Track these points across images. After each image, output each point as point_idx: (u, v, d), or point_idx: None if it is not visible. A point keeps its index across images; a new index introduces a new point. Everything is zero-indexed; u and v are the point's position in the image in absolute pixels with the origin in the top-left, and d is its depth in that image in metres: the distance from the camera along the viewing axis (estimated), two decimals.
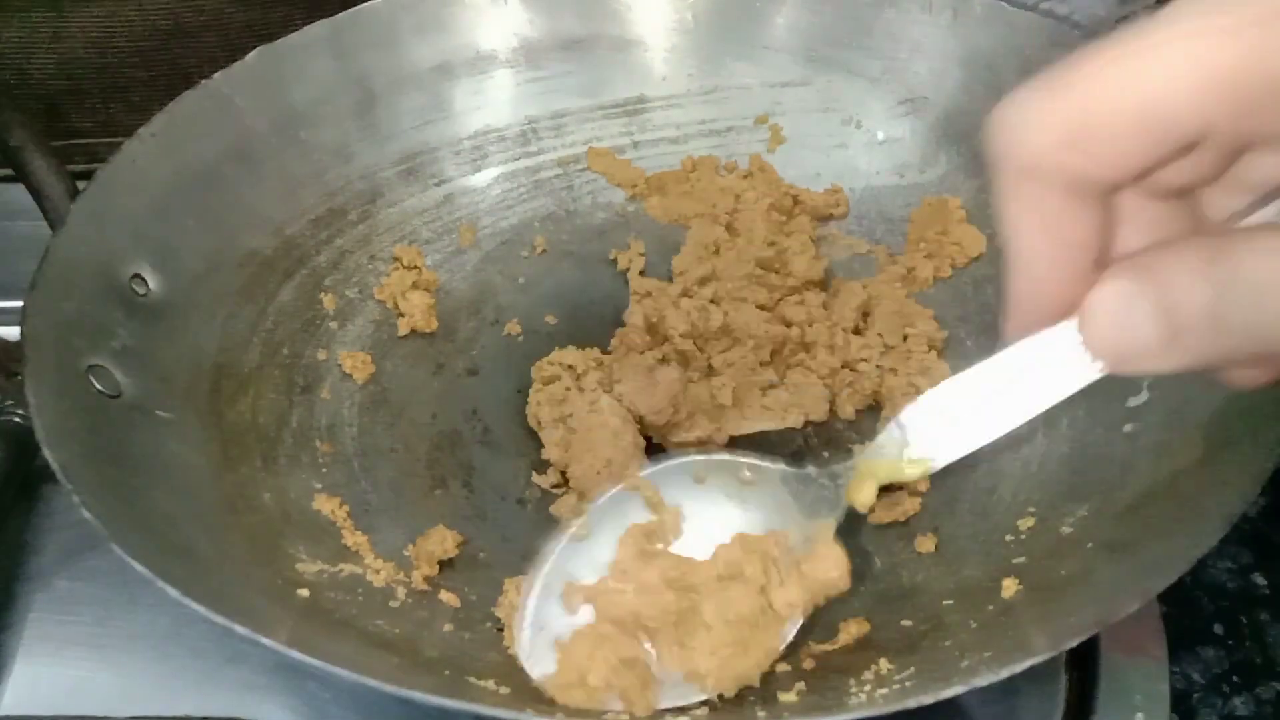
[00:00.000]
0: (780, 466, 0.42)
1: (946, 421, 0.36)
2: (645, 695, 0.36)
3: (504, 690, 0.38)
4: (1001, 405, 0.34)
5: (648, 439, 0.47)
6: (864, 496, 0.39)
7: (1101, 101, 0.21)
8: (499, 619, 0.42)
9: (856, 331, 0.51)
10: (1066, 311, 0.25)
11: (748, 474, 0.42)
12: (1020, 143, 0.23)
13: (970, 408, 0.35)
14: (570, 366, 0.50)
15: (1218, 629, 0.47)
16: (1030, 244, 0.25)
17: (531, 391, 0.50)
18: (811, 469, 0.41)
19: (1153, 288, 0.23)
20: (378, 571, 0.43)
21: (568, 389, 0.49)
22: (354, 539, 0.45)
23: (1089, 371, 0.28)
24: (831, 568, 0.39)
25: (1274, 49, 0.19)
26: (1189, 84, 0.21)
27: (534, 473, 0.48)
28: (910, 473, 0.38)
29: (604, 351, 0.50)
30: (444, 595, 0.43)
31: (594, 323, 0.53)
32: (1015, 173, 0.23)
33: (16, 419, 0.49)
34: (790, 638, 0.39)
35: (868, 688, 0.37)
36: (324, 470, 0.47)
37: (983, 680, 0.34)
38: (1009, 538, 0.43)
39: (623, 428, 0.46)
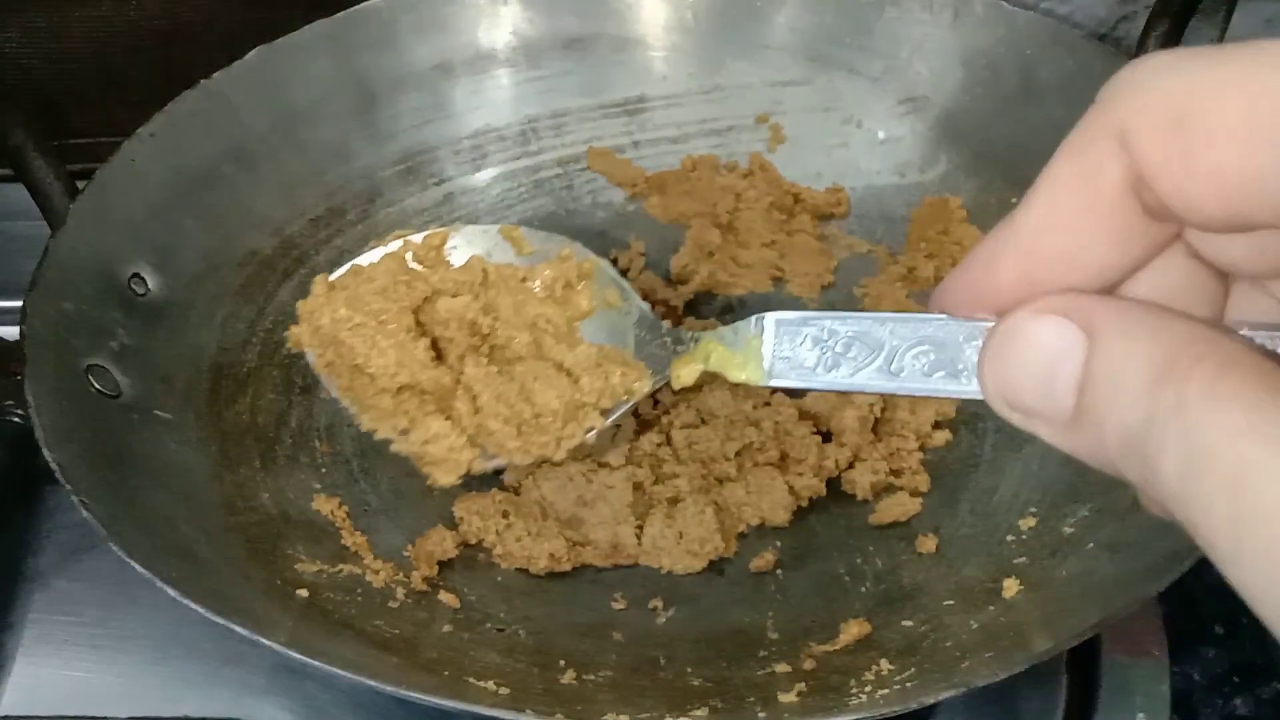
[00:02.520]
0: (643, 305, 0.42)
1: (805, 351, 0.30)
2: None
3: (503, 691, 0.38)
4: (868, 368, 0.29)
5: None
6: (685, 374, 0.37)
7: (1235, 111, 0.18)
8: (499, 618, 0.42)
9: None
10: (1007, 307, 0.21)
11: (613, 294, 0.42)
12: (1136, 97, 0.19)
13: (835, 355, 0.30)
14: None
15: (1218, 629, 0.47)
16: (1045, 201, 0.20)
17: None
18: (665, 324, 0.41)
19: (1095, 353, 0.19)
20: (377, 572, 0.43)
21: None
22: (353, 539, 0.45)
23: (966, 386, 0.26)
24: (635, 377, 0.40)
25: None
26: None
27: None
28: (736, 376, 0.34)
29: None
30: (443, 596, 0.43)
31: None
32: (1103, 126, 0.19)
33: (16, 419, 0.49)
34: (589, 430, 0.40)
35: (868, 688, 0.37)
36: (323, 471, 0.47)
37: (983, 680, 0.34)
38: (1010, 538, 0.43)
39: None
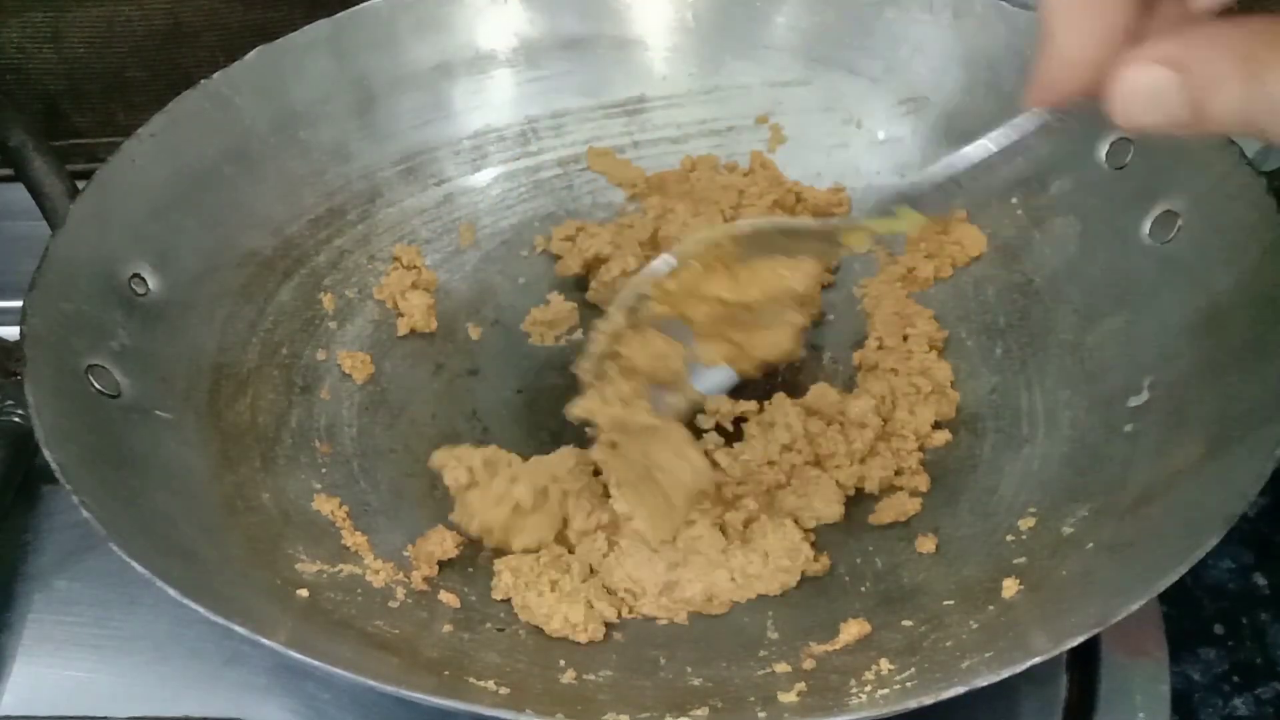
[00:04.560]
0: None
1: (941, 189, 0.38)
2: None
3: (503, 691, 0.38)
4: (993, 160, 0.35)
5: None
6: (859, 243, 0.43)
7: None
8: (499, 618, 0.42)
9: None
10: (1091, 80, 0.27)
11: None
12: None
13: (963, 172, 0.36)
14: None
15: (1218, 629, 0.47)
16: (1065, 13, 0.27)
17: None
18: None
19: (1188, 78, 0.25)
20: (377, 572, 0.43)
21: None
22: (353, 539, 0.45)
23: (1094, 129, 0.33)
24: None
25: None
26: None
27: None
28: (904, 228, 0.40)
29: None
30: (443, 596, 0.43)
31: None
32: None
33: (16, 419, 0.49)
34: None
35: (868, 688, 0.37)
36: (323, 470, 0.47)
37: (983, 680, 0.34)
38: (1010, 538, 0.43)
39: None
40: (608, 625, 0.42)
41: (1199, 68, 0.25)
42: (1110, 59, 0.27)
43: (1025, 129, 0.33)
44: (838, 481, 0.46)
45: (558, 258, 0.55)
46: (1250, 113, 0.24)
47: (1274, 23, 0.25)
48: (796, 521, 0.45)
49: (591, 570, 0.44)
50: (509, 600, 0.43)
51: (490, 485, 0.44)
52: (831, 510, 0.46)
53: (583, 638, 0.42)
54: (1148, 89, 0.26)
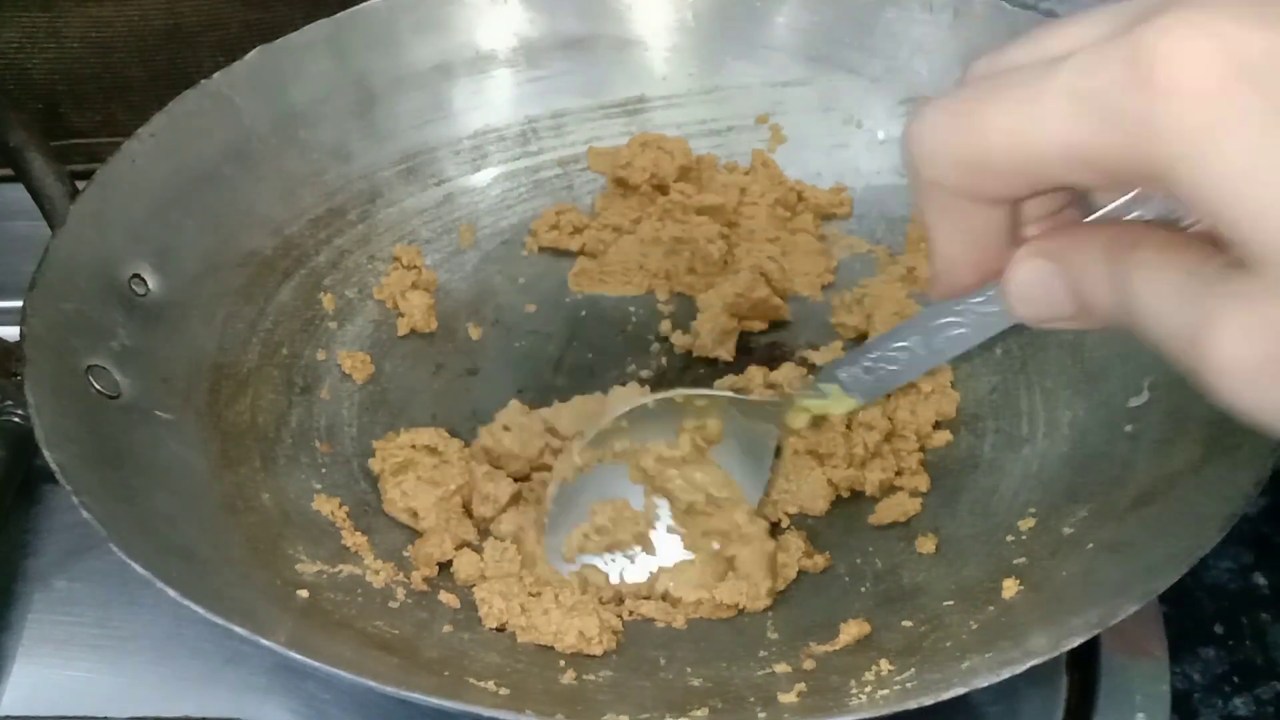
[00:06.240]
0: (727, 394, 0.47)
1: (870, 372, 0.41)
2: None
3: (504, 691, 0.38)
4: (921, 355, 0.38)
5: None
6: (797, 423, 0.46)
7: (991, 144, 0.24)
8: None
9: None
10: (983, 279, 0.28)
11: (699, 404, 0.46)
12: (927, 161, 0.26)
13: (892, 359, 0.40)
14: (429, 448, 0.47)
15: (1218, 629, 0.47)
16: (945, 236, 0.27)
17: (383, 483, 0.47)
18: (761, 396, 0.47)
19: (1067, 272, 0.26)
20: (377, 572, 0.43)
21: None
22: (353, 539, 0.45)
23: (1001, 323, 0.34)
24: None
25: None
26: (1059, 150, 0.23)
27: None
28: (836, 410, 0.44)
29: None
30: (443, 596, 0.43)
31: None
32: (925, 183, 0.26)
33: (16, 419, 0.49)
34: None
35: (868, 688, 0.37)
36: (323, 471, 0.47)
37: (983, 681, 0.34)
38: (1009, 538, 0.43)
39: None
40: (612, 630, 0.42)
41: (1073, 258, 0.26)
42: (993, 259, 0.28)
43: (937, 319, 0.36)
44: (830, 480, 0.46)
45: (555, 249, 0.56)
46: (1121, 310, 0.25)
47: (1132, 227, 0.26)
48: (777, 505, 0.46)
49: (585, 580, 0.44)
50: (504, 627, 0.42)
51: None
52: (816, 505, 0.46)
53: (598, 650, 0.41)
54: (1031, 281, 0.27)
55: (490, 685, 0.38)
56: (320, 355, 0.51)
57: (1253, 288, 0.21)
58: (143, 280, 0.47)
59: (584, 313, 0.54)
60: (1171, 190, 0.22)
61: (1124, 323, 0.25)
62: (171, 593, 0.35)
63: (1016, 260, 0.27)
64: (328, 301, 0.52)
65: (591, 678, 0.40)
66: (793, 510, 0.46)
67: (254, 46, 0.52)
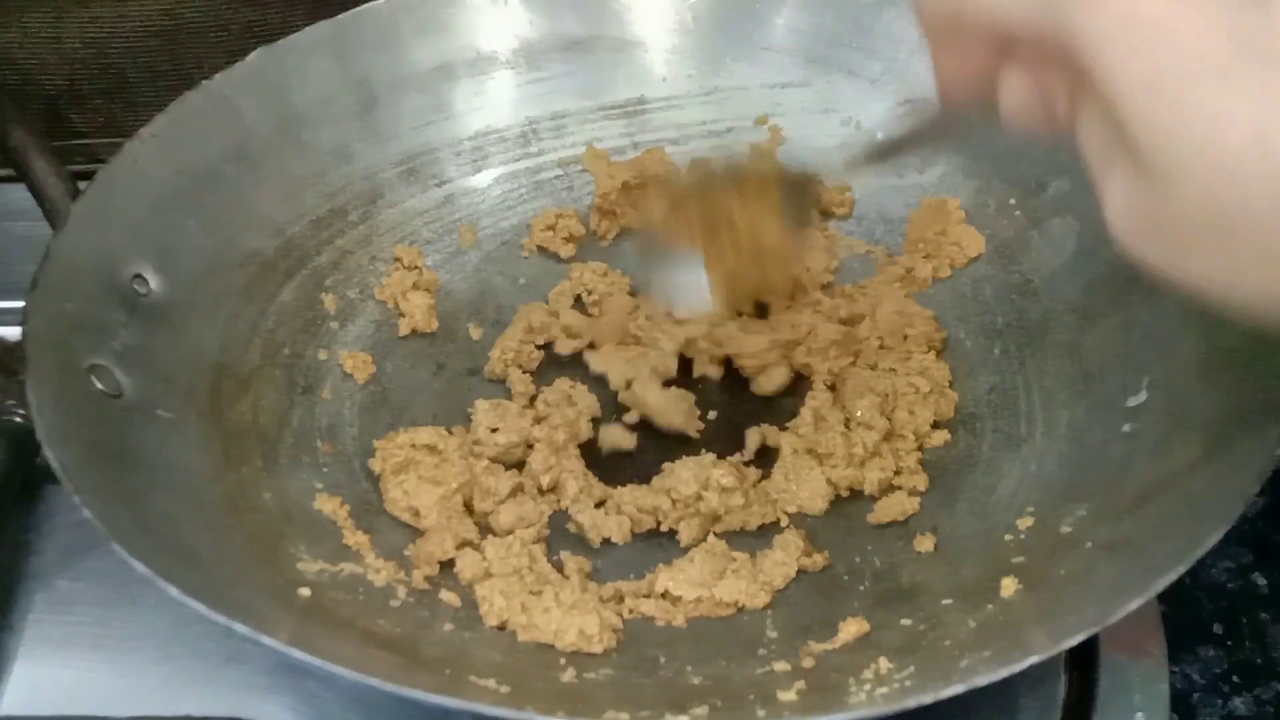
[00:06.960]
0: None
1: None
2: None
3: (505, 689, 0.38)
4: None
5: None
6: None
7: (965, 6, 0.32)
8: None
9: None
10: (971, 96, 0.36)
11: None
12: (927, 9, 0.34)
13: None
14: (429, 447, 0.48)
15: (1218, 629, 0.47)
16: (938, 57, 0.36)
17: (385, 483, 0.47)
18: None
19: (1040, 92, 0.33)
20: (378, 571, 0.43)
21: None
22: (355, 538, 0.45)
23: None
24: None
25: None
26: (1008, 18, 0.30)
27: None
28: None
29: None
30: (444, 595, 0.43)
31: None
32: (924, 20, 0.35)
33: (17, 419, 0.49)
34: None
35: (867, 687, 0.37)
36: (325, 470, 0.47)
37: (982, 680, 0.34)
38: (1008, 537, 0.43)
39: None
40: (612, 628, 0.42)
41: (1045, 81, 0.32)
42: (976, 79, 0.35)
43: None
44: (829, 479, 0.46)
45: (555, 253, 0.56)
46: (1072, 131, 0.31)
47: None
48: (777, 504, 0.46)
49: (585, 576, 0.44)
50: (504, 626, 0.42)
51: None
52: (815, 504, 0.46)
53: (598, 648, 0.41)
54: (1017, 95, 0.33)
55: (491, 683, 0.38)
56: (322, 355, 0.51)
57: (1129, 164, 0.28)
58: (144, 280, 0.47)
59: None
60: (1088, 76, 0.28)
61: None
62: (173, 591, 0.35)
63: (1004, 77, 0.34)
64: (329, 302, 0.53)
65: (592, 676, 0.40)
66: (792, 509, 0.46)
67: (255, 47, 0.52)
